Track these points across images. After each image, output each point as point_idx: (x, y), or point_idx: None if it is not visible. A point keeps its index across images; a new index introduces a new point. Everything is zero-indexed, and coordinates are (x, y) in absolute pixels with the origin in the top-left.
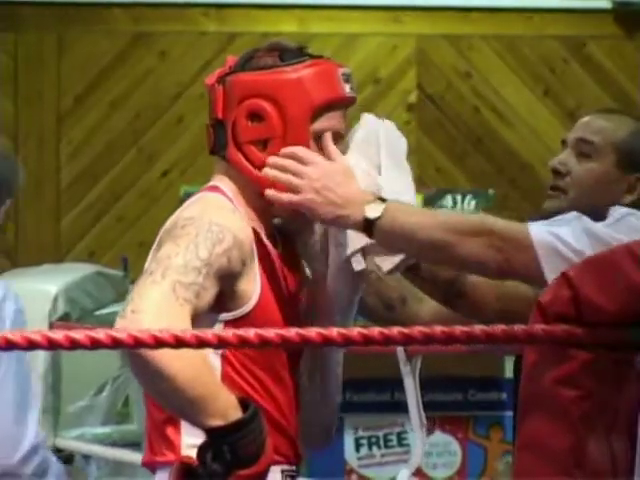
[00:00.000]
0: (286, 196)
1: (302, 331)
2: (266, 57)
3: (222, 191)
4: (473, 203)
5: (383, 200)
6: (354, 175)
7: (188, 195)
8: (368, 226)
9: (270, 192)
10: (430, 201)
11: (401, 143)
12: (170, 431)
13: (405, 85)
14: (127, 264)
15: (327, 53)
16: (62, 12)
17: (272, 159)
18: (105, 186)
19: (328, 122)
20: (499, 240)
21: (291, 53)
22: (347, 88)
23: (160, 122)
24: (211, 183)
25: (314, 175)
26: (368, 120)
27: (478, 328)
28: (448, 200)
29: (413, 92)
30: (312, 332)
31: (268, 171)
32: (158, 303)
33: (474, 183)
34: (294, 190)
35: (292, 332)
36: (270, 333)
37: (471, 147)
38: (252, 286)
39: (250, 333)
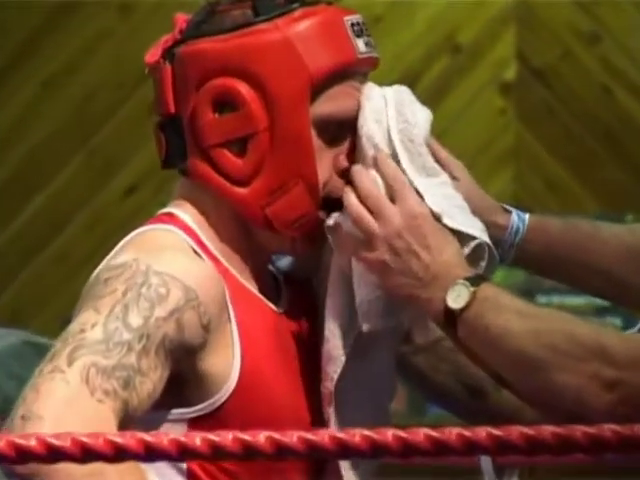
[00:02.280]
0: (354, 245)
1: (309, 435)
2: (233, 11)
3: (179, 221)
4: None
5: (475, 280)
6: (443, 228)
7: None
8: (450, 317)
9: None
10: None
11: (423, 122)
12: None
13: (499, 55)
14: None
15: (381, 8)
16: None
17: (358, 172)
18: (36, 210)
19: (337, 103)
20: (613, 370)
21: (270, 1)
22: (361, 44)
23: (121, 113)
24: (164, 210)
25: (395, 223)
26: (371, 94)
27: (609, 428)
28: None
29: (511, 65)
30: (324, 436)
31: (350, 199)
32: (61, 403)
33: (604, 203)
34: (364, 240)
35: (293, 437)
36: (259, 438)
37: (600, 148)
38: (225, 365)
39: (227, 438)
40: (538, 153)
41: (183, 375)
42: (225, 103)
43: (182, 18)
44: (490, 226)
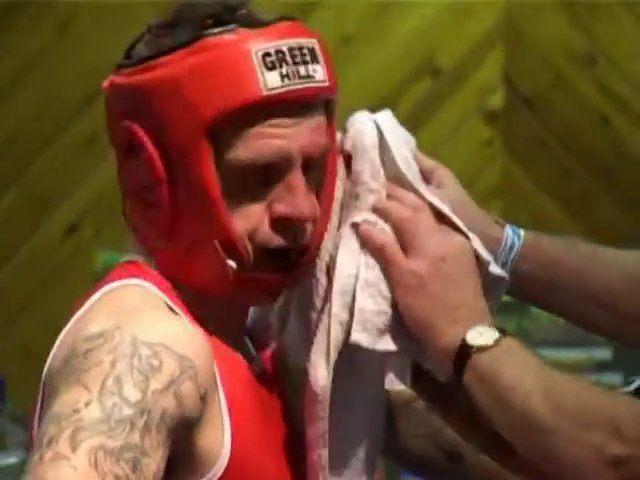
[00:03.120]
0: (387, 248)
1: None
2: (159, 38)
3: (145, 271)
4: None
5: (502, 329)
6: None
7: (110, 267)
8: (462, 355)
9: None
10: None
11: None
12: None
13: (483, 79)
14: (2, 390)
15: (352, 24)
16: None
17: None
18: None
19: (250, 146)
20: (622, 446)
21: (190, 26)
22: (272, 78)
23: (58, 145)
24: (128, 257)
25: (441, 250)
26: (355, 125)
27: None
28: None
29: (497, 91)
30: None
31: (365, 229)
32: None
33: (601, 246)
34: (406, 247)
35: None
36: None
37: (596, 184)
38: (217, 440)
39: None
40: (527, 189)
41: (178, 454)
42: (130, 148)
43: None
44: (483, 238)
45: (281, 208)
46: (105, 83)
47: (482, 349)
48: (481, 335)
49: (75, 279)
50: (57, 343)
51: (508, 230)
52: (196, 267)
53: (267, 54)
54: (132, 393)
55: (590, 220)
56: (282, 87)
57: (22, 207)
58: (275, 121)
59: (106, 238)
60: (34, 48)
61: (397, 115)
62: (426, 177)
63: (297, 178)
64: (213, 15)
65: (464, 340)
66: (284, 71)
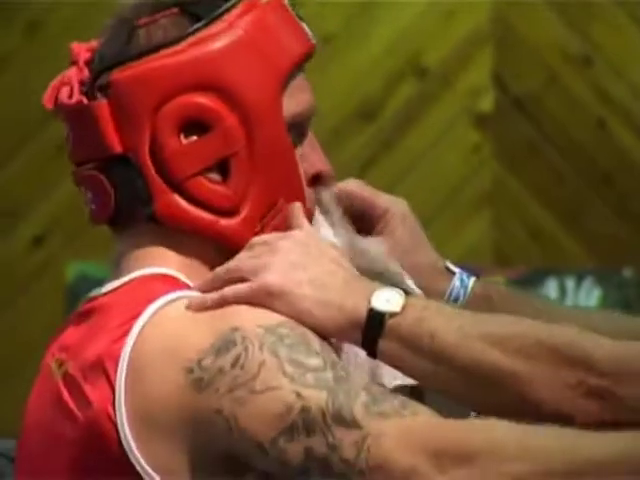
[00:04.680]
0: (231, 290)
1: None
2: (160, 21)
3: (173, 280)
4: (596, 293)
5: (402, 290)
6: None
7: (82, 280)
8: (372, 326)
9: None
10: (521, 287)
11: None
12: None
13: (472, 80)
14: None
15: (335, 23)
16: None
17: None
18: None
19: (302, 98)
20: (599, 378)
21: (197, 2)
22: (307, 29)
23: (29, 150)
24: (140, 273)
25: (286, 245)
26: None
27: None
28: (551, 286)
29: (487, 93)
30: None
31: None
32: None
33: (596, 255)
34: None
35: None
36: None
37: (592, 191)
38: None
39: None
40: (519, 197)
41: None
42: (193, 125)
43: (81, 48)
44: (426, 291)
45: (319, 164)
46: (120, 77)
47: (395, 314)
48: (388, 301)
49: (43, 291)
50: (125, 385)
51: (456, 281)
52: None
53: (290, 6)
54: (315, 361)
55: (584, 228)
56: (312, 38)
57: None
58: (303, 74)
59: (76, 249)
60: (1, 52)
61: (382, 120)
62: (375, 218)
63: (312, 134)
64: None
65: (371, 309)
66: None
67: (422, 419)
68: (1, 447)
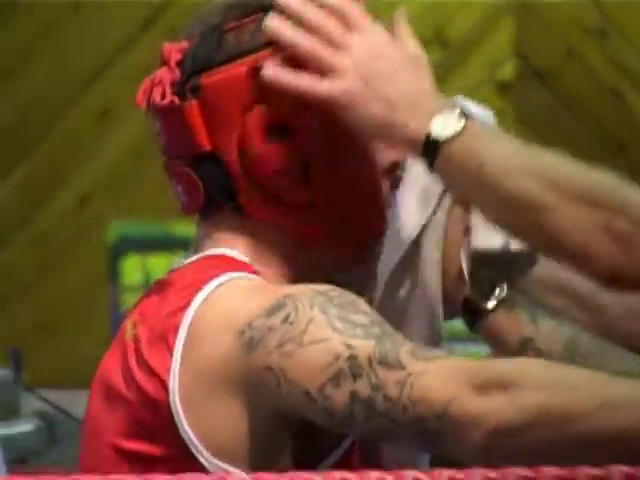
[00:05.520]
0: (307, 81)
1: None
2: (248, 26)
3: (243, 263)
4: None
5: (463, 113)
6: (425, 64)
7: (122, 238)
8: (429, 149)
9: (270, 70)
10: None
11: None
12: None
13: (494, 51)
14: (18, 359)
15: None
16: None
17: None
18: None
19: None
20: (628, 223)
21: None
22: None
23: (74, 114)
24: (214, 250)
25: (360, 49)
26: None
27: None
28: None
29: (508, 62)
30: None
31: (270, 24)
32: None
33: None
34: (323, 71)
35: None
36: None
37: (610, 158)
38: None
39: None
40: None
41: None
42: (278, 128)
43: (173, 49)
44: None
45: (394, 154)
46: (211, 79)
47: (451, 139)
48: (445, 124)
49: (87, 250)
50: (182, 354)
51: None
52: (350, 227)
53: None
54: (363, 318)
55: None
56: None
57: (35, 179)
58: None
59: (118, 210)
60: (47, 20)
61: None
62: None
63: None
64: None
65: (429, 134)
66: None
67: (461, 360)
68: (50, 397)
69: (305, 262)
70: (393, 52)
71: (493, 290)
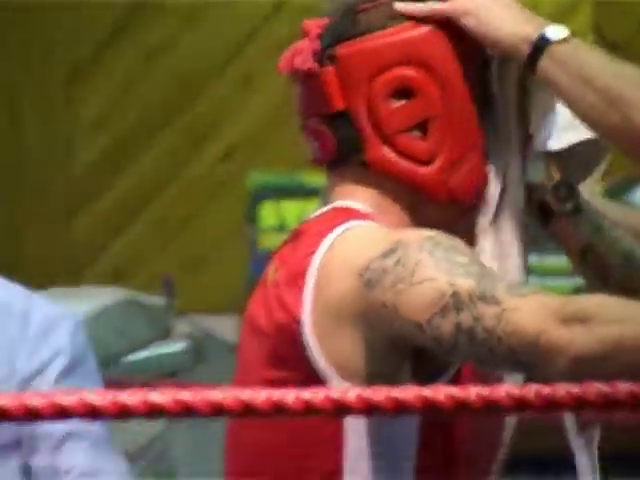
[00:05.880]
0: (435, 4)
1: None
2: (379, 7)
3: (364, 213)
4: None
5: (567, 29)
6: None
7: (260, 187)
8: (536, 49)
9: (402, 4)
10: (613, 194)
11: None
12: None
13: (575, 27)
14: (171, 287)
15: None
16: None
17: None
18: (135, 175)
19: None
20: None
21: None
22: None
23: (214, 85)
24: (341, 202)
25: None
26: None
27: None
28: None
29: (587, 38)
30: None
31: (404, 6)
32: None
33: None
34: None
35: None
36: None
37: None
38: None
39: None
40: None
41: None
42: (402, 91)
43: (313, 25)
44: None
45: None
46: (344, 50)
47: (560, 42)
48: (557, 30)
49: (230, 197)
50: (313, 291)
51: None
52: (458, 180)
53: None
54: (465, 259)
55: None
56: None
57: (181, 140)
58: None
59: (258, 162)
60: (199, 3)
61: None
62: None
63: None
64: None
65: (543, 34)
66: None
67: (548, 296)
68: (198, 322)
69: (419, 215)
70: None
71: (568, 194)
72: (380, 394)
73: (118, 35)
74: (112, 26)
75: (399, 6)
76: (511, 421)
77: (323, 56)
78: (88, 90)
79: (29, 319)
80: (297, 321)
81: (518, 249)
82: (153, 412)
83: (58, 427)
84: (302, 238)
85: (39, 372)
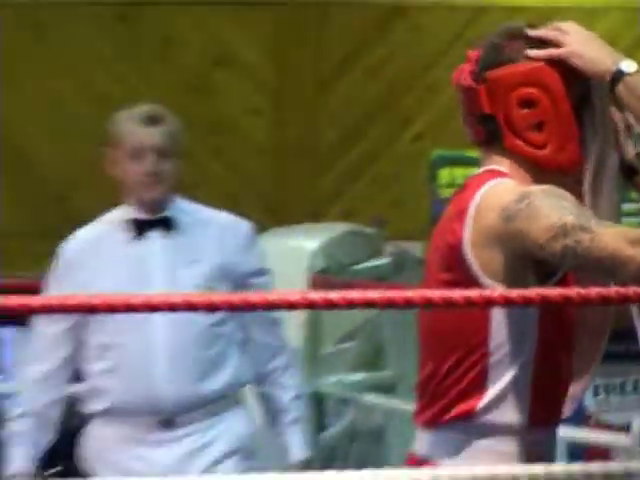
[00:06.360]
0: (555, 50)
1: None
2: (512, 45)
3: (507, 174)
4: None
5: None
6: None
7: (440, 158)
8: (614, 80)
9: (534, 53)
10: None
11: None
12: (471, 386)
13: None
14: (382, 223)
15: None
16: None
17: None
18: (361, 149)
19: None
20: None
21: (532, 39)
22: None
23: (413, 89)
24: (490, 167)
25: (573, 32)
26: None
27: None
28: None
29: None
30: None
31: (531, 52)
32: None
33: None
34: (559, 44)
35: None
36: None
37: None
38: None
39: None
40: None
41: None
42: (527, 103)
43: (473, 53)
44: None
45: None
46: (491, 74)
47: (631, 73)
48: (629, 65)
49: (421, 165)
50: (473, 222)
51: None
52: (565, 157)
53: None
54: (570, 204)
55: None
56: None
57: (391, 125)
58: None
59: (437, 143)
60: (380, 21)
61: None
62: None
63: None
64: (530, 25)
65: (619, 67)
66: None
67: (623, 228)
68: (399, 246)
69: (538, 178)
70: (588, 32)
71: None
72: (514, 292)
73: (346, 63)
74: (340, 59)
75: (531, 53)
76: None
77: (478, 76)
78: (329, 96)
79: (245, 234)
80: (460, 241)
81: (610, 200)
82: (369, 304)
83: (269, 313)
84: (466, 189)
85: (253, 273)
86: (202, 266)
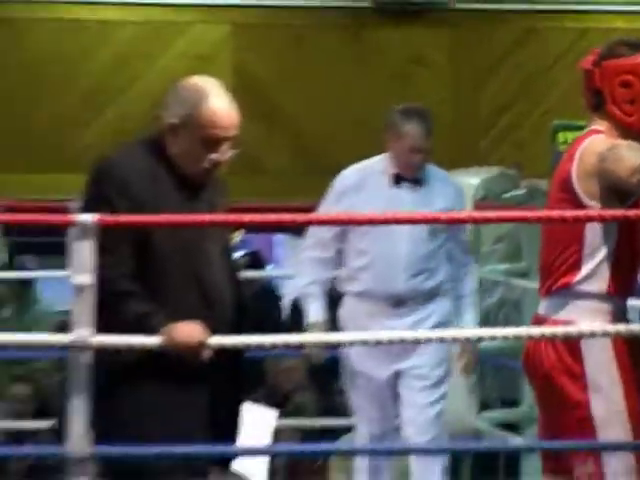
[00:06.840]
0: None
1: None
2: (621, 49)
3: (603, 132)
4: None
5: None
6: None
7: (558, 125)
8: None
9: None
10: None
11: None
12: (571, 267)
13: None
14: (520, 167)
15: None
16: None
17: None
18: (508, 120)
19: None
20: None
21: (635, 46)
22: None
23: (539, 83)
24: (594, 127)
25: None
26: None
27: None
28: None
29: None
30: None
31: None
32: None
33: None
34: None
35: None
36: None
37: None
38: None
39: None
40: None
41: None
42: (626, 84)
43: (596, 51)
44: None
45: None
46: (605, 63)
47: None
48: None
49: (547, 133)
50: (578, 163)
51: None
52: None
53: None
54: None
55: None
56: None
57: (528, 104)
58: None
59: (559, 116)
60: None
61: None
62: None
63: None
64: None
65: None
66: None
67: None
68: (531, 182)
69: (626, 137)
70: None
71: None
72: (603, 211)
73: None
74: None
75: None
76: None
77: (596, 64)
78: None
79: (456, 187)
80: (570, 174)
81: None
82: (512, 219)
83: (462, 234)
84: (575, 142)
85: (460, 209)
86: (434, 209)
